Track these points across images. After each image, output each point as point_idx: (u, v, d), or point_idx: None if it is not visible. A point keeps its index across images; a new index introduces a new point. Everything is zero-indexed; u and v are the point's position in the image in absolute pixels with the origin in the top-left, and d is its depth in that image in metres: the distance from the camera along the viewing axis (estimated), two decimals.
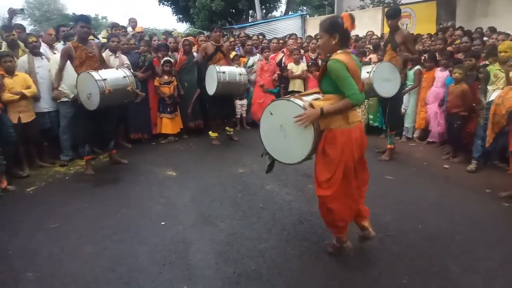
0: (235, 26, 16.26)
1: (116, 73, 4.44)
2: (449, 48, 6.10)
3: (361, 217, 2.72)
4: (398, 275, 2.55)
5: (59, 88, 4.58)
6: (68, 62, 4.36)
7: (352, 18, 2.38)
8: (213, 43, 5.66)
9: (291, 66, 6.60)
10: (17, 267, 2.76)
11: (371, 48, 6.90)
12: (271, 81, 6.67)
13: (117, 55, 5.49)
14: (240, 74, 5.46)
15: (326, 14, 20.04)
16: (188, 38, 6.65)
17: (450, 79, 5.04)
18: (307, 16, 19.11)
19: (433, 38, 7.02)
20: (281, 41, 7.69)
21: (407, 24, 11.37)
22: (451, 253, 2.79)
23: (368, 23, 11.26)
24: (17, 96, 4.43)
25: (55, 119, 5.03)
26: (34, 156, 4.95)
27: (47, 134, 5.07)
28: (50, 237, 3.18)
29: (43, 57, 4.99)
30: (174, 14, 21.48)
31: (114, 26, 7.07)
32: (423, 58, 5.74)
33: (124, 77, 4.45)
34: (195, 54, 6.25)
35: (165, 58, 5.95)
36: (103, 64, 4.60)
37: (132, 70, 5.17)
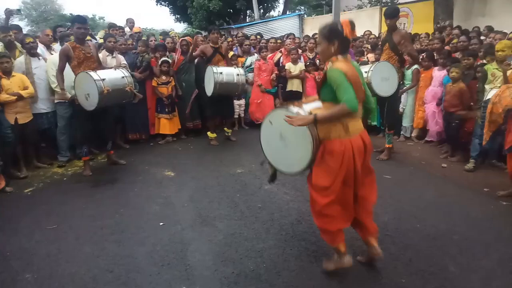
0: (233, 26, 16.25)
1: (114, 73, 4.44)
2: (446, 47, 6.11)
3: (368, 234, 2.56)
4: (396, 275, 2.56)
5: (56, 89, 4.57)
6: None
7: (352, 25, 2.33)
8: (211, 45, 5.66)
9: (289, 66, 6.60)
10: (15, 268, 2.75)
11: (369, 47, 6.91)
12: (269, 81, 6.68)
13: (114, 55, 5.47)
14: (238, 75, 5.45)
15: (324, 14, 20.06)
16: (186, 38, 6.64)
17: (447, 78, 5.05)
18: (305, 16, 19.17)
19: (430, 37, 7.03)
20: (279, 41, 7.70)
21: (404, 23, 11.36)
22: (450, 253, 2.80)
23: (366, 23, 11.30)
24: (14, 97, 4.42)
25: (52, 120, 5.02)
26: (32, 157, 4.94)
27: (44, 135, 5.05)
28: (48, 237, 3.17)
29: (40, 58, 4.97)
30: (172, 14, 21.45)
31: (112, 26, 7.06)
32: (420, 57, 5.75)
33: (123, 77, 4.46)
34: None
35: (163, 59, 5.95)
36: (99, 65, 4.59)
37: (130, 71, 5.16)
